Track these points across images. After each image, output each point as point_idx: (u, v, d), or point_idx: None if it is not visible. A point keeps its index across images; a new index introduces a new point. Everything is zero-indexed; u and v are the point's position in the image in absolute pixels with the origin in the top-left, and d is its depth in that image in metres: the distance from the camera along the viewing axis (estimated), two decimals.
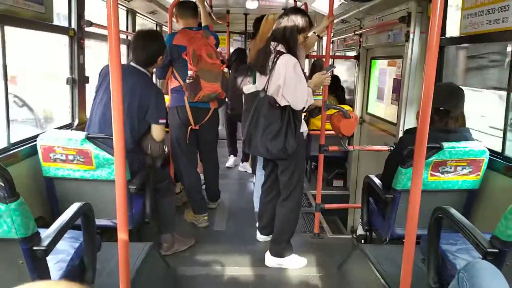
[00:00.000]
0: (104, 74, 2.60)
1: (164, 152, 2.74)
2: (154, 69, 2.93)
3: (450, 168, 2.29)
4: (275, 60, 2.51)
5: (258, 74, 2.67)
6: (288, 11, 2.67)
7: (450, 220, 1.73)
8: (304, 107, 2.57)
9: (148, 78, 2.63)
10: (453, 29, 2.80)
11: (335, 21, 4.31)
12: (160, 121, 2.59)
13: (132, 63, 2.63)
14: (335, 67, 2.88)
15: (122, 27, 4.43)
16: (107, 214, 2.29)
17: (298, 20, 2.55)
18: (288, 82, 2.47)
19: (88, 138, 2.33)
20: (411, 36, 3.07)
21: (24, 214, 1.41)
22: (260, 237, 3.19)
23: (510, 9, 2.18)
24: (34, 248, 1.43)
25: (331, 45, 5.30)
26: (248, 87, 2.76)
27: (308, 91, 2.55)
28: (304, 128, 2.74)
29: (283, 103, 2.50)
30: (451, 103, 2.29)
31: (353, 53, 4.58)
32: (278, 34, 2.57)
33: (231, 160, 5.36)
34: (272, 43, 2.57)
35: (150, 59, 2.62)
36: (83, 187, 2.44)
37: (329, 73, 2.84)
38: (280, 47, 2.55)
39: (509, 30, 2.18)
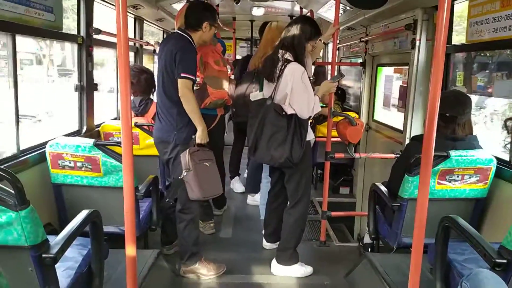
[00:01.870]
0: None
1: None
2: None
3: (458, 177, 2.28)
4: (282, 68, 2.53)
5: (265, 82, 2.67)
6: (297, 19, 2.69)
7: (457, 230, 1.72)
8: (310, 116, 2.58)
9: (184, 39, 2.58)
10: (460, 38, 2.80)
11: (341, 28, 4.33)
12: (182, 74, 2.47)
13: (176, 29, 2.68)
14: (344, 75, 2.88)
15: (130, 34, 4.48)
16: (114, 221, 2.30)
17: (306, 29, 2.57)
18: (295, 90, 2.48)
19: (96, 145, 2.36)
20: (417, 43, 3.07)
21: (34, 222, 1.42)
22: (266, 244, 3.18)
23: None
24: (43, 255, 1.45)
25: (337, 52, 5.32)
26: (255, 94, 2.76)
27: (315, 100, 2.55)
28: (311, 136, 2.74)
29: (289, 111, 2.51)
30: (457, 109, 2.29)
31: (359, 60, 4.58)
32: (286, 42, 2.58)
33: (236, 184, 4.62)
34: (280, 51, 2.59)
35: (192, 24, 2.62)
36: (91, 193, 2.46)
37: (337, 82, 2.85)
38: (288, 55, 2.56)
39: None
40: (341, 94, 5.07)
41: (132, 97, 3.37)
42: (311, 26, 2.60)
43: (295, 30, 2.57)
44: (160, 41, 4.93)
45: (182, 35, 2.60)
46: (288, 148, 2.51)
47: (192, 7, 2.71)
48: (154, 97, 3.59)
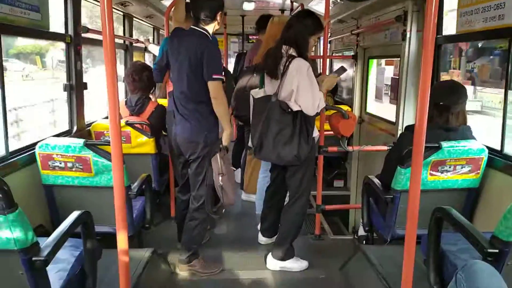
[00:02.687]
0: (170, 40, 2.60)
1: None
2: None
3: (450, 167, 2.28)
4: (287, 64, 2.47)
5: (267, 78, 2.62)
6: (299, 14, 2.66)
7: (450, 221, 1.72)
8: (317, 113, 2.54)
9: (205, 36, 2.49)
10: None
11: (331, 21, 4.31)
12: (214, 76, 2.42)
13: (191, 26, 2.55)
14: (346, 69, 2.85)
15: (119, 31, 4.43)
16: (107, 220, 2.28)
17: (309, 24, 2.53)
18: (301, 87, 2.43)
19: (87, 145, 2.33)
20: (408, 35, 3.06)
21: (22, 225, 1.40)
22: (262, 239, 3.18)
23: (506, 7, 2.17)
24: (34, 259, 1.43)
25: (329, 45, 5.30)
26: (256, 92, 2.72)
27: (320, 96, 2.51)
28: (315, 133, 2.71)
29: (295, 108, 2.45)
30: (451, 98, 2.29)
31: (351, 53, 4.58)
32: (289, 37, 2.52)
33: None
34: (283, 46, 2.52)
35: (209, 16, 2.48)
36: (83, 194, 2.44)
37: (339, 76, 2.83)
38: (292, 51, 2.50)
39: (506, 28, 2.17)
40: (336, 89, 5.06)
41: (129, 95, 3.35)
42: (314, 21, 2.55)
43: (297, 25, 2.52)
44: (149, 38, 4.90)
45: (202, 33, 2.49)
46: (296, 146, 2.48)
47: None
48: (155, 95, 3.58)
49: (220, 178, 2.48)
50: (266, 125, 2.52)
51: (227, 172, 2.51)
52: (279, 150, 2.50)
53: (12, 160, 2.33)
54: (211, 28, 2.52)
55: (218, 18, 2.52)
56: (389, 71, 3.87)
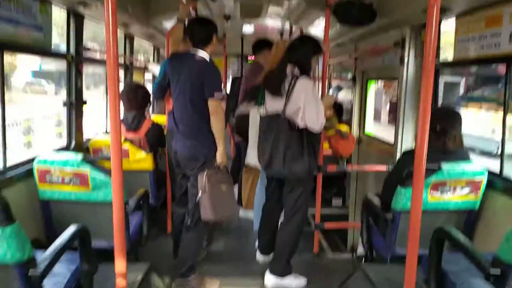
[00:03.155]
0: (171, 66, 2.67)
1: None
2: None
3: (449, 188, 2.29)
4: (293, 82, 2.58)
5: (269, 96, 2.69)
6: (301, 37, 2.85)
7: (451, 241, 1.71)
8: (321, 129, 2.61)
9: (204, 59, 2.61)
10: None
11: (330, 45, 4.39)
12: (216, 94, 2.52)
13: (191, 49, 2.65)
14: (342, 88, 2.94)
15: (120, 51, 4.48)
16: (104, 235, 2.26)
17: (310, 45, 2.70)
18: (307, 104, 2.53)
19: (85, 160, 2.33)
20: (406, 59, 3.12)
21: (19, 239, 1.39)
22: (259, 256, 3.14)
23: (501, 36, 2.24)
24: (30, 273, 1.41)
25: (328, 68, 5.38)
26: (256, 111, 2.81)
27: (323, 113, 2.60)
28: None
29: (301, 125, 2.54)
30: (447, 122, 2.35)
31: (349, 75, 4.64)
32: (294, 58, 2.64)
33: None
34: (288, 66, 2.64)
35: (203, 39, 2.62)
36: (79, 209, 2.42)
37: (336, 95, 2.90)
38: (297, 71, 2.63)
39: (502, 56, 2.23)
40: (338, 109, 5.10)
41: (125, 112, 3.37)
42: (314, 43, 2.73)
43: (301, 46, 2.68)
44: (150, 59, 4.96)
45: (200, 56, 2.61)
46: (307, 161, 2.57)
47: (198, 23, 2.72)
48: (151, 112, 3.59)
49: (199, 195, 2.50)
50: (276, 141, 2.59)
51: (210, 191, 2.50)
52: (290, 165, 2.57)
53: (10, 174, 2.31)
54: (208, 50, 2.65)
55: (214, 40, 2.66)
56: (387, 94, 3.92)
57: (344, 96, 5.21)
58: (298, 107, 2.53)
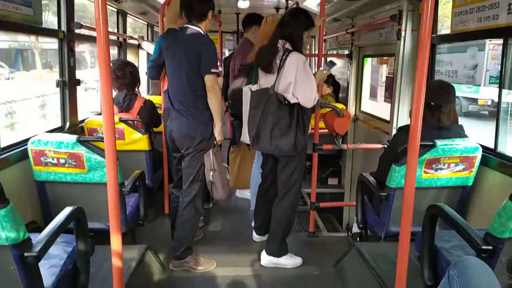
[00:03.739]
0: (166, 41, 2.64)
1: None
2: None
3: (444, 165, 2.30)
4: (283, 57, 2.53)
5: (261, 73, 2.66)
6: (292, 11, 2.72)
7: (444, 218, 1.73)
8: (313, 105, 2.59)
9: (200, 34, 2.59)
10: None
11: (327, 19, 4.31)
12: (212, 70, 2.52)
13: (186, 24, 2.63)
14: (335, 63, 2.89)
15: (113, 28, 4.39)
16: (100, 217, 2.26)
17: (302, 20, 2.62)
18: (299, 80, 2.50)
19: (80, 141, 2.31)
20: (403, 34, 3.07)
21: (14, 220, 1.39)
22: (256, 237, 3.18)
23: (500, 7, 2.19)
24: (25, 254, 1.41)
25: (324, 43, 5.30)
26: (250, 87, 2.77)
27: (316, 88, 2.58)
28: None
29: (292, 100, 2.52)
30: (441, 97, 2.32)
31: (346, 52, 4.58)
32: (285, 33, 2.59)
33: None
34: (279, 41, 2.59)
35: (200, 14, 2.59)
36: (75, 190, 2.42)
37: (329, 70, 2.85)
38: (288, 46, 2.58)
39: (500, 28, 2.19)
40: (335, 87, 5.06)
41: (116, 92, 3.32)
42: (306, 17, 2.64)
43: (291, 21, 2.60)
44: (143, 36, 4.86)
45: (196, 31, 2.58)
46: (293, 136, 2.54)
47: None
48: (143, 91, 3.54)
49: (211, 173, 2.53)
50: (264, 117, 2.57)
51: (218, 168, 2.55)
52: (277, 141, 2.55)
53: (4, 156, 2.29)
54: (203, 26, 2.62)
55: (209, 17, 2.62)
56: (384, 70, 3.89)
57: (337, 71, 5.15)
58: (289, 82, 2.50)
